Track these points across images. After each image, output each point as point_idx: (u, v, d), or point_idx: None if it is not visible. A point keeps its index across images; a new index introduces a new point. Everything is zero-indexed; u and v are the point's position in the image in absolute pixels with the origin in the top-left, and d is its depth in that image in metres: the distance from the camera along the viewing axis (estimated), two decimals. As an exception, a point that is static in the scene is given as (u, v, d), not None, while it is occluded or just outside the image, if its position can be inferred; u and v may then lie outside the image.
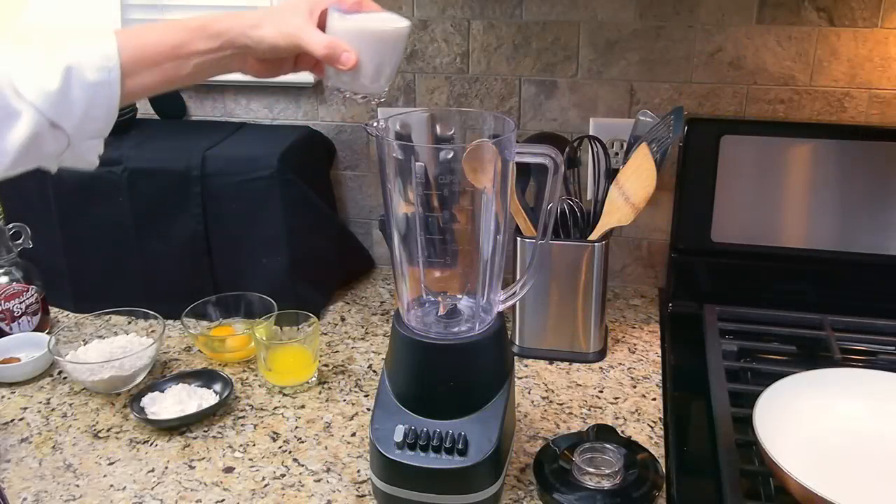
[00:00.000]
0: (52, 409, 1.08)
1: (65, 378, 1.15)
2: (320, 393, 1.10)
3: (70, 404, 1.09)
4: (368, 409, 1.06)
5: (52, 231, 1.27)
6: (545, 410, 1.05)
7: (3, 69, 0.69)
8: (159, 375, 1.14)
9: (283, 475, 0.95)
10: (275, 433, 1.02)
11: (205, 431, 1.03)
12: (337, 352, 1.21)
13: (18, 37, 0.72)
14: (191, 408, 1.04)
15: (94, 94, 0.72)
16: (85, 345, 1.16)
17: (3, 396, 1.11)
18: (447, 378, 0.86)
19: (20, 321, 1.22)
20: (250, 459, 0.97)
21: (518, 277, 1.07)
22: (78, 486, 0.94)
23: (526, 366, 1.15)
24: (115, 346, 1.14)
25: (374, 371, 1.15)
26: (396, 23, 0.80)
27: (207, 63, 0.78)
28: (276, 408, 1.07)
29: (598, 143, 1.18)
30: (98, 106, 0.73)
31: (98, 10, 1.35)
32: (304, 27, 0.78)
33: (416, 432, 0.85)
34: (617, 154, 1.26)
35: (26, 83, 0.69)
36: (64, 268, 1.29)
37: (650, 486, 0.87)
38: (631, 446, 0.91)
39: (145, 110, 1.41)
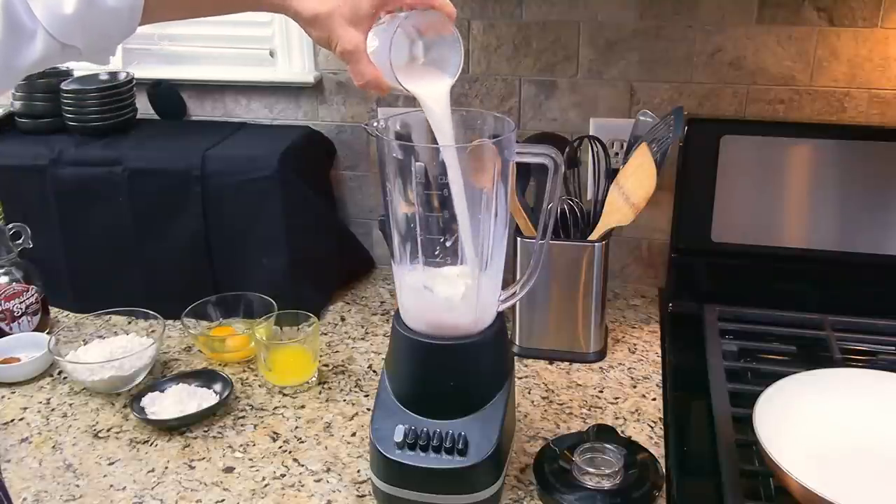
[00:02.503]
0: (52, 409, 1.08)
1: (65, 378, 1.15)
2: (320, 393, 1.10)
3: (70, 404, 1.09)
4: (368, 409, 1.06)
5: (52, 231, 1.27)
6: (545, 410, 1.05)
7: None
8: (159, 375, 1.14)
9: (283, 475, 0.95)
10: (275, 433, 1.02)
11: (205, 431, 1.03)
12: (337, 352, 1.21)
13: None
14: (191, 408, 1.04)
15: (113, 19, 0.68)
16: (85, 345, 1.16)
17: (3, 396, 1.11)
18: (447, 378, 0.86)
19: (20, 321, 1.22)
20: (250, 459, 0.97)
21: (518, 277, 1.07)
22: (78, 486, 0.94)
23: (526, 366, 1.15)
24: (115, 346, 1.14)
25: (374, 371, 1.15)
26: (438, 86, 0.79)
27: (242, 11, 0.76)
28: (276, 408, 1.07)
29: (598, 143, 1.18)
30: (115, 29, 0.69)
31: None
32: (355, 53, 0.73)
33: (416, 432, 0.85)
34: (617, 154, 1.26)
35: (38, 3, 0.66)
36: (64, 268, 1.29)
37: (650, 486, 0.87)
38: (631, 446, 0.91)
39: (145, 110, 1.41)
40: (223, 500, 0.91)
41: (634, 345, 1.21)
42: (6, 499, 0.79)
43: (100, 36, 0.69)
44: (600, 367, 1.15)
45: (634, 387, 1.10)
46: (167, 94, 1.41)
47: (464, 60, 0.78)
